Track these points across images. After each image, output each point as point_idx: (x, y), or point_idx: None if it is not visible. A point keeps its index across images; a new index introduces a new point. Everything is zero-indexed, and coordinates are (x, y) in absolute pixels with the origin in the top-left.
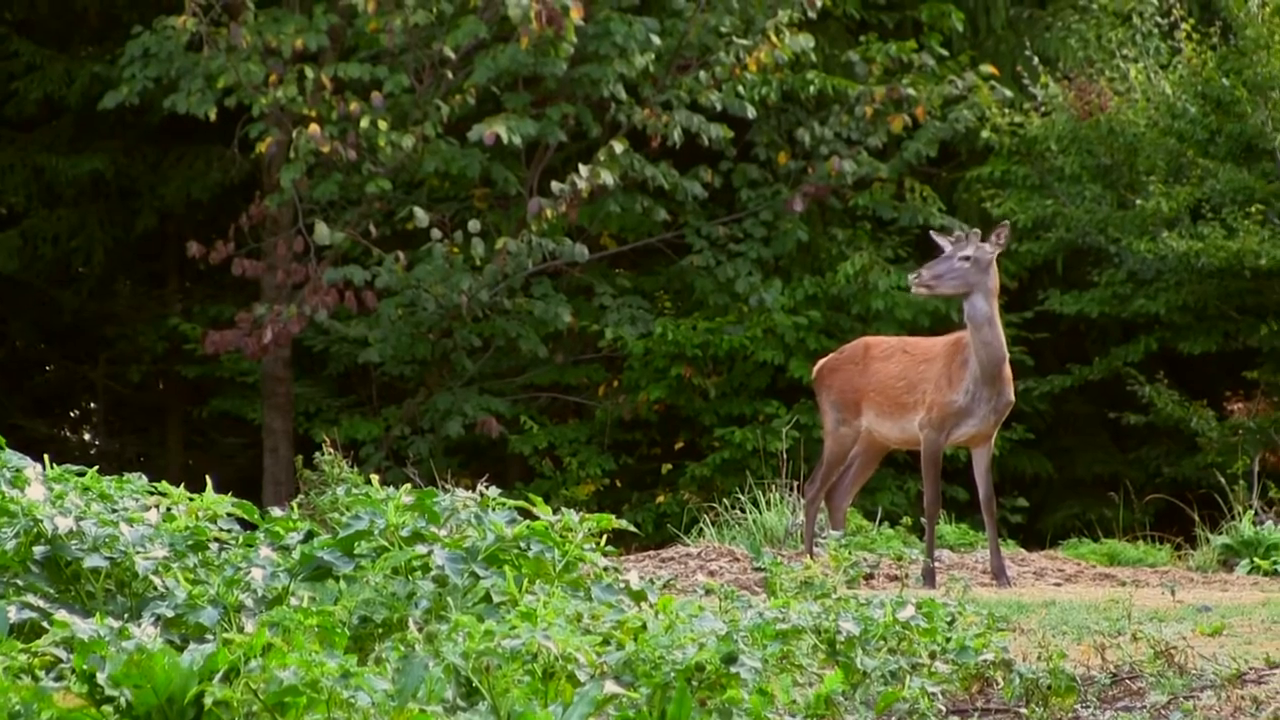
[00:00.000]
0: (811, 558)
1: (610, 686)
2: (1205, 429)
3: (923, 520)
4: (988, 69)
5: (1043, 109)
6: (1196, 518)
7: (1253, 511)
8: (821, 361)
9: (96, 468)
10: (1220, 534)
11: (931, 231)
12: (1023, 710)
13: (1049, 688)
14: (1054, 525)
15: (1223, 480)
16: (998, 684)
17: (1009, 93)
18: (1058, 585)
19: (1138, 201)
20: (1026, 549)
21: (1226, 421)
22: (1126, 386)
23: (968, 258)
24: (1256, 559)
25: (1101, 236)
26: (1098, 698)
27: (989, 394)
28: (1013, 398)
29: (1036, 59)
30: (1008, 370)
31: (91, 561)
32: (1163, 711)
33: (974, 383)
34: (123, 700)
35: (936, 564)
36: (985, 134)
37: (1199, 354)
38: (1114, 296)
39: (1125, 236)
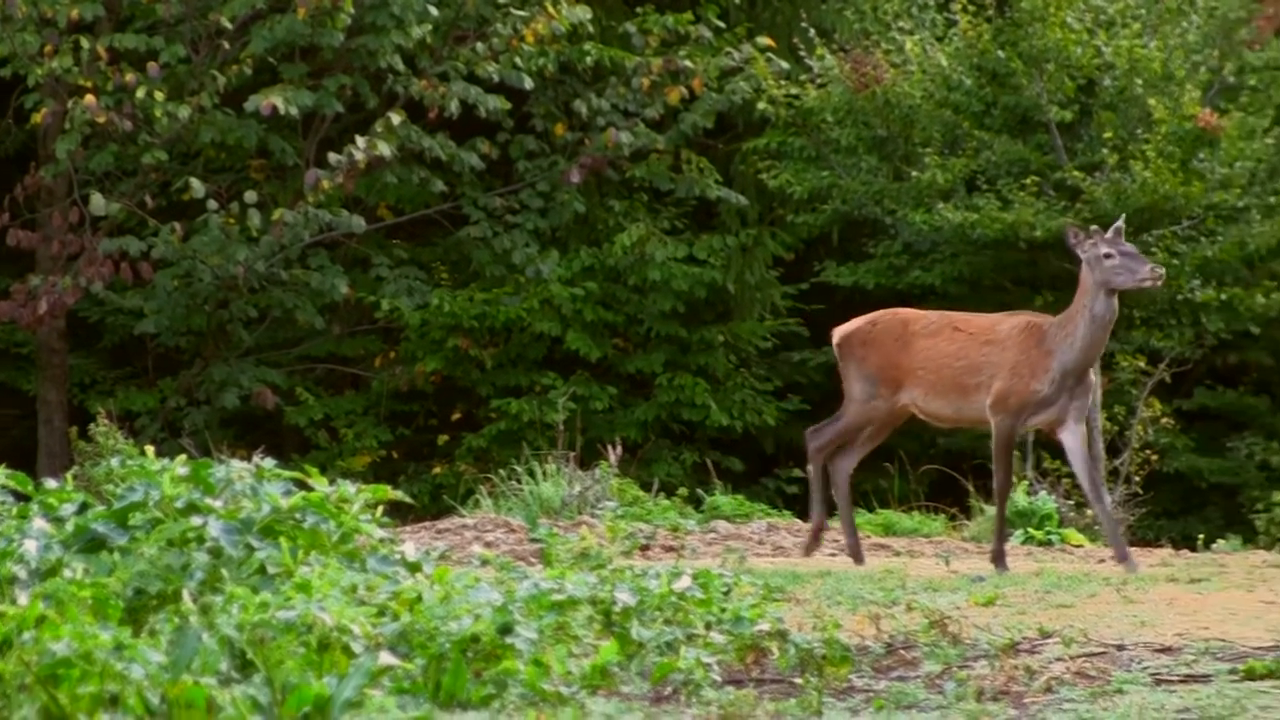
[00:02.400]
0: (820, 518)
1: (385, 658)
2: None
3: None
4: (764, 41)
5: (819, 81)
6: (971, 488)
7: (1027, 482)
8: (847, 330)
9: None
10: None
11: (1074, 227)
12: (798, 680)
13: (824, 658)
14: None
15: None
16: (773, 654)
17: (785, 65)
18: (833, 556)
19: (913, 173)
20: (802, 520)
21: None
22: None
23: None
24: (1030, 529)
25: (877, 208)
26: (872, 667)
27: (1072, 384)
28: (1093, 379)
29: (813, 31)
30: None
31: None
32: (936, 681)
33: (1061, 373)
34: None
35: (712, 534)
36: (762, 106)
37: None
38: (890, 268)
39: (901, 208)
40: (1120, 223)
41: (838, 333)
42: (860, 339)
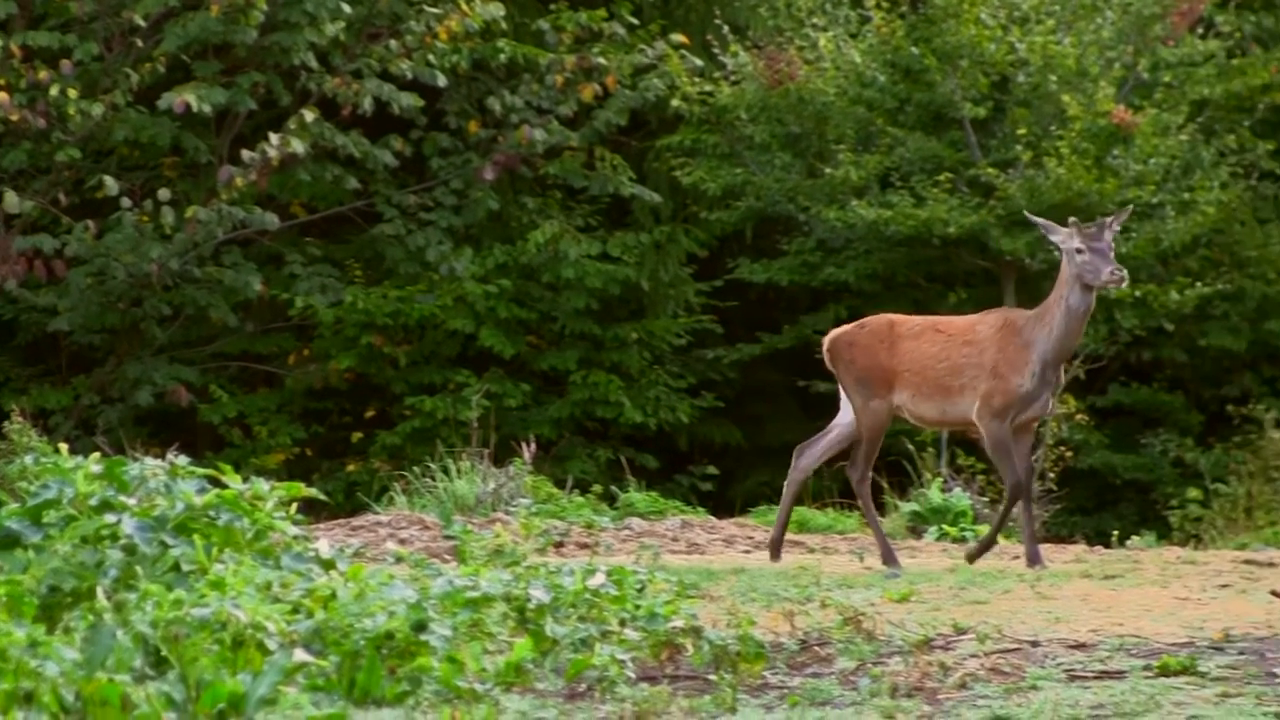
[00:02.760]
0: (880, 539)
1: (300, 655)
2: None
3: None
4: (678, 38)
5: (733, 78)
6: (885, 485)
7: (941, 479)
8: (836, 334)
9: None
10: (909, 501)
11: (1037, 218)
12: (712, 677)
13: (738, 654)
14: (744, 493)
15: (911, 448)
16: (688, 651)
17: (699, 62)
18: (747, 553)
19: (827, 170)
20: (716, 517)
21: None
22: (815, 354)
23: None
24: (945, 526)
25: (791, 205)
26: (786, 664)
27: (1052, 377)
28: (1062, 379)
29: (726, 28)
30: None
31: None
32: (851, 677)
33: (1041, 365)
34: None
35: (627, 531)
36: (675, 103)
37: None
38: (803, 265)
39: (815, 205)
40: (1114, 218)
41: (827, 338)
42: (848, 343)
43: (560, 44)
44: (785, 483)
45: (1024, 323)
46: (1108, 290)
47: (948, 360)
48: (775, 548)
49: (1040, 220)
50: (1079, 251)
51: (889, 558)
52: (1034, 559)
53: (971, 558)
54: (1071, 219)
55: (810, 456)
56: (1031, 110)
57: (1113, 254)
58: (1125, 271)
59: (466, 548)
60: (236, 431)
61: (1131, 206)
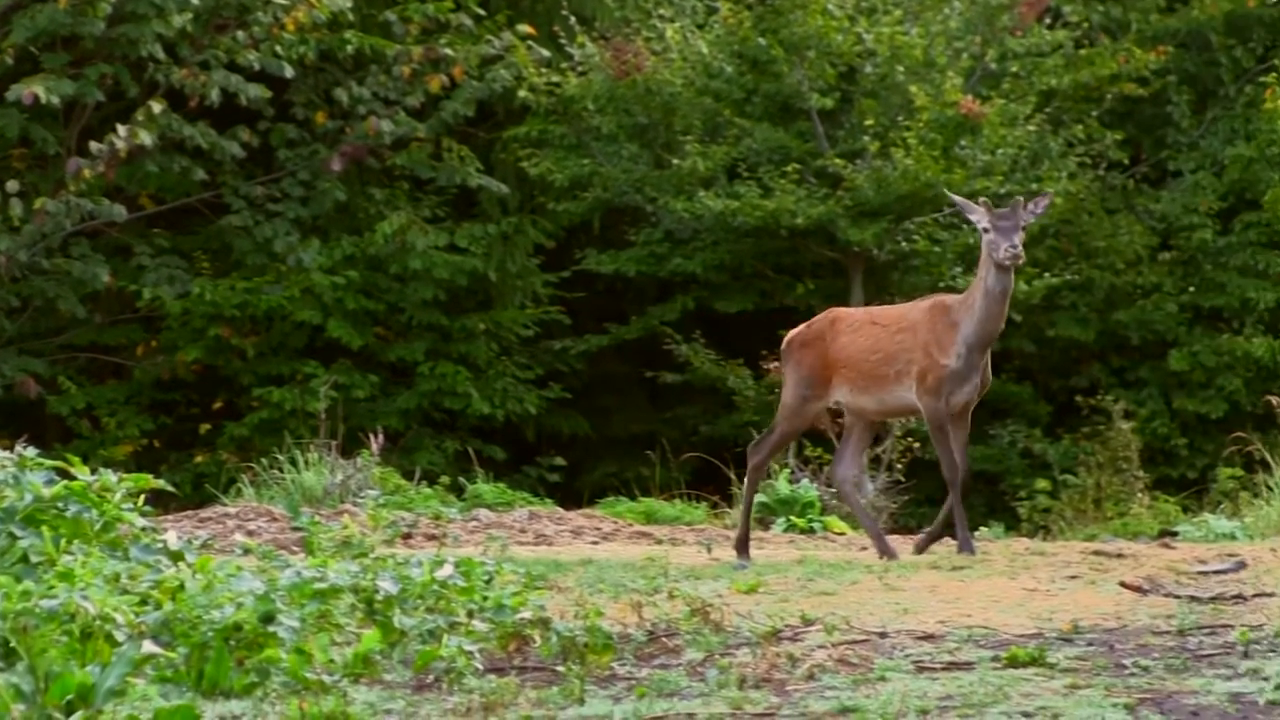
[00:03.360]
0: (747, 527)
1: (148, 646)
2: (742, 388)
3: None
4: (525, 29)
5: (580, 69)
6: (733, 476)
7: (789, 470)
8: (791, 334)
9: None
10: (757, 492)
11: (956, 197)
12: (560, 668)
13: (586, 645)
14: (591, 484)
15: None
16: (535, 642)
17: (546, 52)
18: (595, 544)
19: (675, 161)
20: (564, 508)
21: (763, 380)
22: (663, 345)
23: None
24: (793, 517)
25: (639, 196)
26: (634, 655)
27: (978, 361)
28: (991, 375)
29: (573, 19)
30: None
31: None
32: (699, 669)
33: (966, 347)
34: None
35: (475, 522)
36: (522, 94)
37: (736, 313)
38: (651, 256)
39: (662, 196)
40: (1034, 202)
41: (786, 339)
42: (799, 342)
43: (407, 35)
44: (848, 504)
45: (953, 304)
46: (1009, 267)
47: (881, 350)
48: (965, 545)
49: (959, 200)
50: (986, 231)
51: (741, 546)
52: (964, 546)
53: (919, 548)
54: (982, 199)
55: (849, 466)
56: (879, 101)
57: (1019, 234)
58: (1020, 250)
59: (314, 539)
60: (85, 423)
61: (1052, 194)
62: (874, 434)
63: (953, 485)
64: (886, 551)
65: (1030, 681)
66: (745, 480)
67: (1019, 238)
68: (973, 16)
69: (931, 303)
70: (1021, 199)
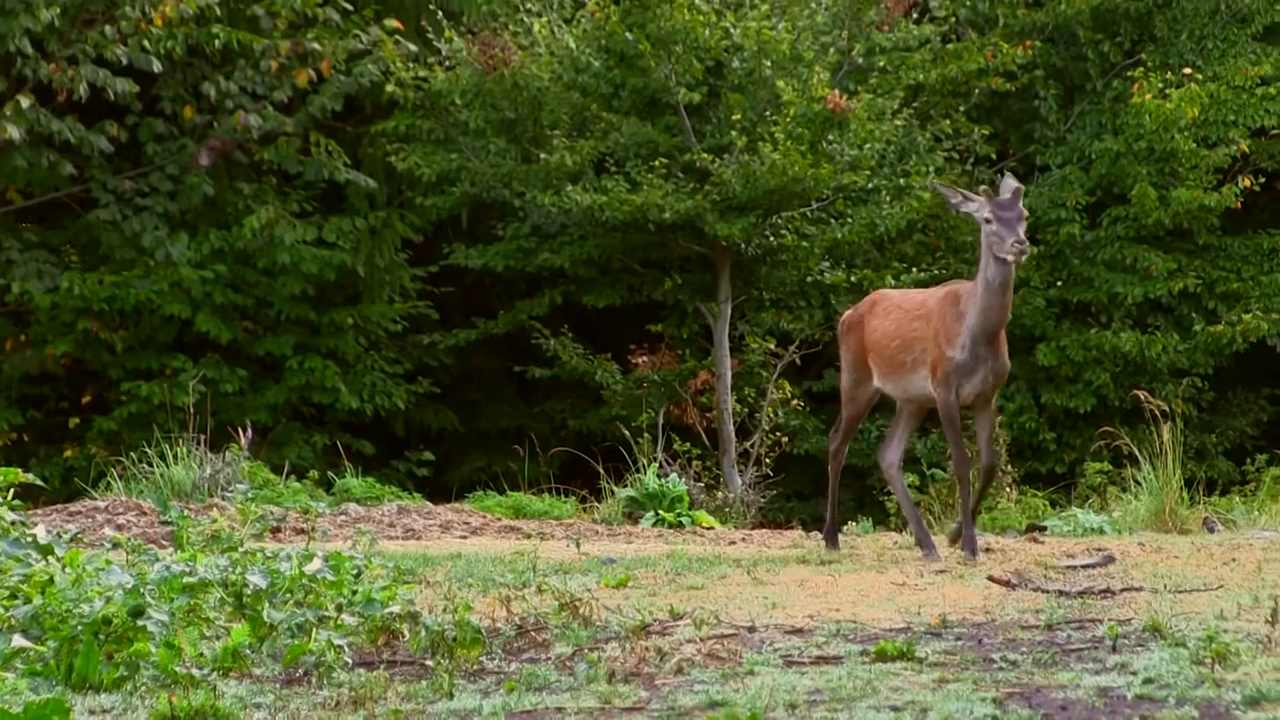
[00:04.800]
0: (833, 513)
1: (18, 640)
2: (610, 382)
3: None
4: (392, 23)
5: (447, 63)
6: (601, 470)
7: (657, 464)
8: (844, 317)
9: None
10: (625, 487)
11: (946, 189)
12: (429, 662)
13: (455, 640)
14: (460, 478)
15: (627, 433)
16: (405, 636)
17: (413, 47)
18: (464, 538)
19: (542, 155)
20: (433, 502)
21: (631, 374)
22: (531, 340)
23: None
24: (661, 511)
25: (506, 190)
26: (504, 649)
27: (986, 353)
28: (1008, 364)
29: (441, 13)
30: (1003, 334)
31: None
32: (568, 663)
33: (971, 339)
34: None
35: (344, 516)
36: (390, 88)
37: (604, 307)
38: (519, 250)
39: (530, 190)
40: (1013, 182)
41: (840, 320)
42: (846, 325)
43: (275, 29)
44: (892, 489)
45: (963, 294)
46: (1014, 261)
47: (900, 337)
48: (969, 543)
49: (950, 190)
50: (988, 222)
51: (831, 535)
52: (966, 541)
53: (962, 541)
54: (983, 187)
55: (894, 451)
56: (746, 95)
57: (1023, 225)
58: (1027, 243)
59: (183, 533)
60: None
61: (1020, 188)
62: (920, 420)
63: (961, 480)
64: (925, 543)
65: (898, 675)
66: (829, 469)
67: (1023, 229)
68: (839, 11)
69: (946, 291)
70: (1022, 187)
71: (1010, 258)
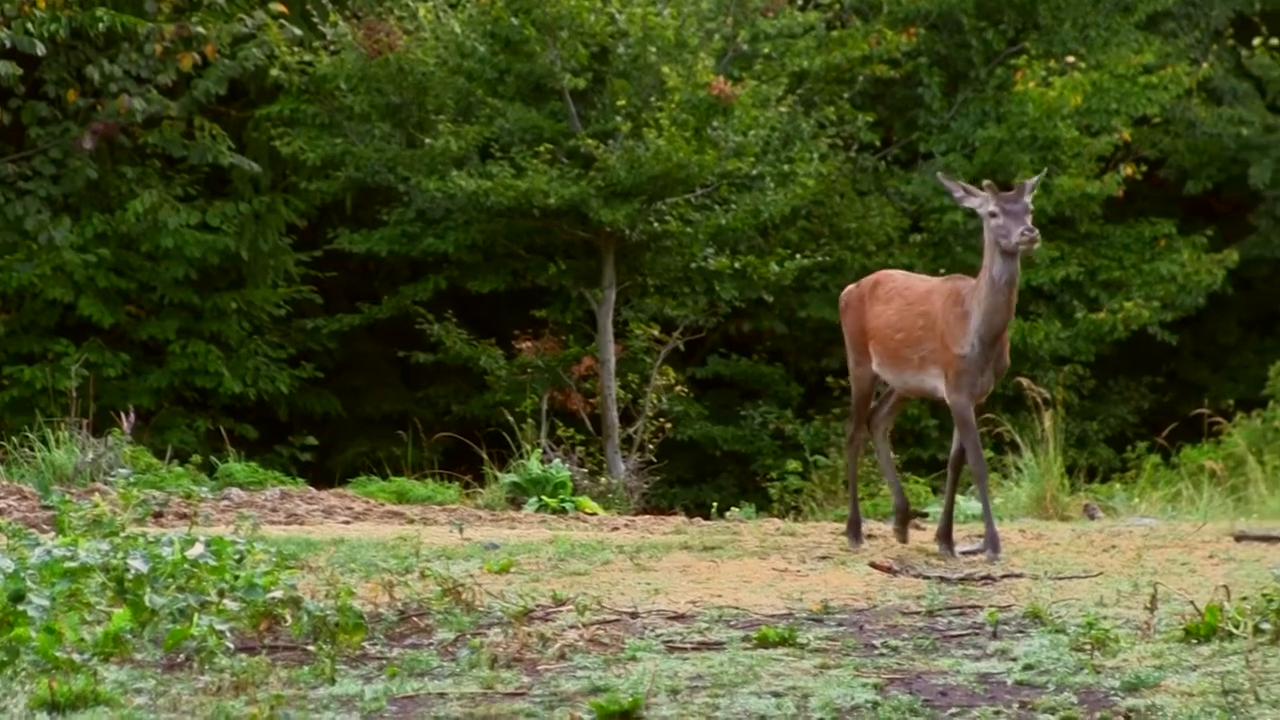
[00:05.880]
0: (853, 496)
1: None
2: (494, 367)
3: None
4: (277, 8)
5: (332, 48)
6: (485, 456)
7: (541, 450)
8: (844, 293)
9: None
10: (509, 472)
11: (951, 182)
12: (311, 647)
13: (337, 625)
14: (343, 463)
15: (511, 419)
16: (287, 621)
17: (298, 31)
18: (347, 523)
19: (427, 140)
20: (316, 487)
21: (515, 360)
22: (415, 325)
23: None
24: (545, 497)
25: (391, 175)
26: (386, 635)
27: (991, 353)
28: (1008, 361)
29: None
30: (1007, 333)
31: None
32: (450, 648)
33: (978, 336)
34: None
35: (226, 501)
36: (275, 72)
37: (488, 292)
38: (403, 235)
39: (415, 175)
40: (1032, 181)
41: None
42: (845, 302)
43: (159, 13)
44: (876, 454)
45: (966, 291)
46: (1023, 252)
47: (904, 330)
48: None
49: (955, 184)
50: (993, 215)
51: (854, 529)
52: (943, 536)
53: (939, 536)
54: (987, 182)
55: (883, 419)
56: (631, 81)
57: (1029, 217)
58: (1037, 232)
59: (65, 518)
60: None
61: (1046, 170)
62: (904, 405)
63: (980, 479)
64: (901, 508)
65: (780, 661)
66: (847, 459)
67: (1030, 220)
68: None
69: (951, 287)
70: (1029, 183)
71: (1022, 248)
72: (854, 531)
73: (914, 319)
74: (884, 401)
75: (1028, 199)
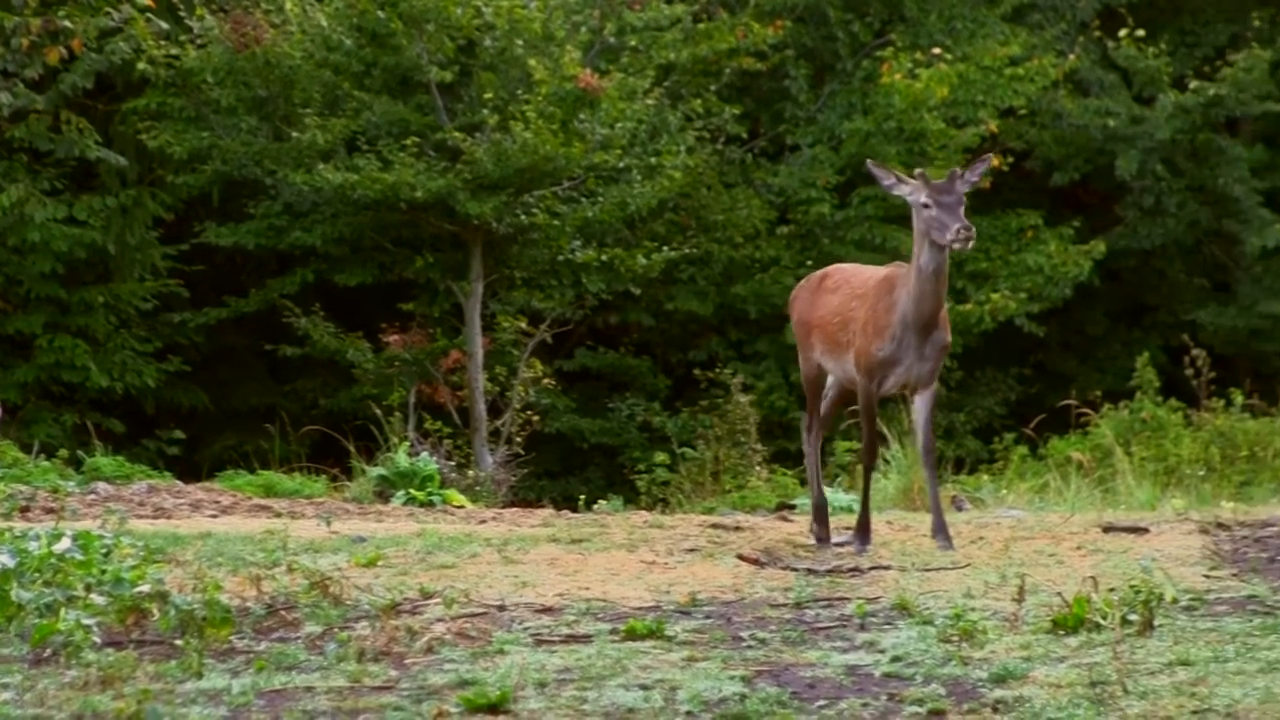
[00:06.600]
0: (817, 487)
1: None
2: (361, 361)
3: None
4: (144, 2)
5: (199, 41)
6: (353, 449)
7: (408, 443)
8: (795, 288)
9: None
10: (376, 465)
11: (880, 170)
12: (179, 642)
13: (205, 619)
14: (211, 457)
15: (379, 412)
16: (154, 616)
17: (165, 25)
18: (215, 517)
19: (294, 134)
20: (183, 481)
21: (383, 353)
22: (283, 319)
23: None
24: (412, 490)
25: (258, 168)
26: (253, 629)
27: (918, 341)
28: (949, 338)
29: None
30: (943, 313)
31: None
32: (318, 642)
33: (902, 328)
34: None
35: (93, 495)
36: (141, 66)
37: (355, 286)
38: (271, 228)
39: (281, 169)
40: (970, 169)
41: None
42: (793, 296)
43: (26, 6)
44: (806, 456)
45: (898, 279)
46: (959, 250)
47: (840, 315)
48: (862, 531)
49: (885, 171)
50: (926, 207)
51: (819, 514)
52: (938, 530)
53: (935, 531)
54: (919, 170)
55: (819, 419)
56: (498, 74)
57: (962, 208)
58: (974, 230)
59: None
60: None
61: (990, 157)
62: (849, 399)
63: (866, 470)
64: (819, 501)
65: (648, 654)
66: (805, 454)
67: (963, 212)
68: None
69: (884, 275)
70: (958, 169)
71: (957, 245)
72: (820, 517)
73: (850, 303)
74: (822, 403)
75: (961, 190)
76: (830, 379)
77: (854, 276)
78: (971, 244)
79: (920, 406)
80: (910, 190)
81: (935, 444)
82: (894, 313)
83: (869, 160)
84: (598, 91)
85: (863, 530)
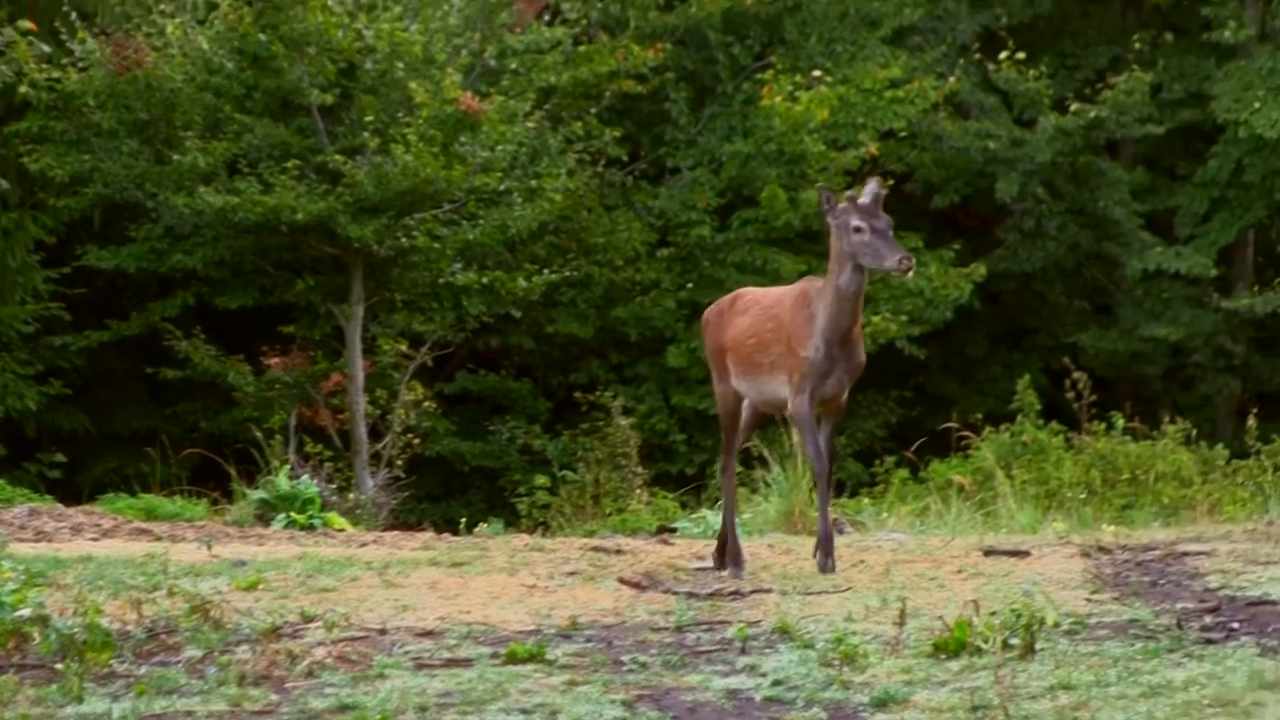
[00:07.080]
0: (731, 524)
1: None
2: (242, 384)
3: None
4: (26, 24)
5: (81, 65)
6: (233, 472)
7: (289, 466)
8: (705, 312)
9: None
10: (257, 488)
11: (822, 186)
12: (59, 666)
13: (85, 643)
14: (92, 480)
15: (259, 435)
16: (35, 639)
17: (47, 48)
18: (95, 540)
19: (175, 156)
20: (64, 504)
21: (263, 376)
22: (164, 341)
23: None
24: (293, 513)
25: (139, 192)
26: (134, 653)
27: (840, 353)
28: (864, 360)
29: (75, 14)
30: (858, 330)
31: None
32: (198, 666)
33: (824, 339)
34: None
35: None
36: (23, 89)
37: (236, 308)
38: (152, 251)
39: (163, 191)
40: (875, 187)
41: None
42: (704, 320)
43: None
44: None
45: (813, 293)
46: (898, 278)
47: (755, 335)
48: (733, 555)
49: (827, 193)
50: (858, 230)
51: (735, 557)
52: (824, 541)
53: (821, 541)
54: (848, 192)
55: (727, 453)
56: (379, 97)
57: (892, 232)
58: (913, 259)
59: None
60: None
61: (877, 183)
62: (759, 423)
63: (820, 479)
64: (734, 551)
65: (529, 678)
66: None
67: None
68: (472, 13)
69: (799, 290)
70: (877, 185)
71: (896, 276)
72: (735, 560)
73: (765, 323)
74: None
75: (886, 215)
76: (745, 404)
77: (764, 296)
78: (911, 273)
79: (826, 424)
80: (841, 211)
81: (830, 467)
82: (813, 325)
83: (818, 185)
84: (478, 114)
85: (825, 541)
